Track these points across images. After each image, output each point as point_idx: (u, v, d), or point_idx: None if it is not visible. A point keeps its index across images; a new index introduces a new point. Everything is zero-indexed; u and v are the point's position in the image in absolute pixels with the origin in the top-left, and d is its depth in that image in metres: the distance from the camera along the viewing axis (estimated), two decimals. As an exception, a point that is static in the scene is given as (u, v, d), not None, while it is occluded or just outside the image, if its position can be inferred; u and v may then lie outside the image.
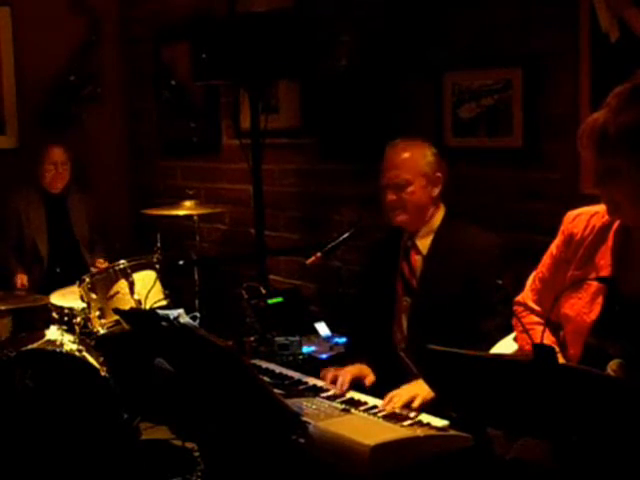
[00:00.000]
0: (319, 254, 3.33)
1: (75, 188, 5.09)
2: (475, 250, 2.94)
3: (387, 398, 2.65)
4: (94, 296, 3.96)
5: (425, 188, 3.02)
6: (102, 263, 4.62)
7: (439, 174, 3.04)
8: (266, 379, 2.86)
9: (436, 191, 3.04)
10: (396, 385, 2.83)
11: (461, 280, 2.90)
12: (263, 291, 3.81)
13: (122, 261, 4.03)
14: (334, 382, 2.87)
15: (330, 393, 2.78)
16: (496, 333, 2.70)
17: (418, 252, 3.06)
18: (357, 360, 3.03)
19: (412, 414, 2.55)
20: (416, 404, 2.59)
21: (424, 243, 3.05)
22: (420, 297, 3.02)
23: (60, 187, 4.99)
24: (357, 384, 2.88)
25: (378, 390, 2.79)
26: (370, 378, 2.94)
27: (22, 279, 4.70)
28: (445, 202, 3.10)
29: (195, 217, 4.56)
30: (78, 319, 4.01)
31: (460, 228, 3.04)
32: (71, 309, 4.06)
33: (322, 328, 3.65)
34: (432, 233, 3.05)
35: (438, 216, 3.07)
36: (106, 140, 5.79)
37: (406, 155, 3.02)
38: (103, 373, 3.78)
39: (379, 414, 2.56)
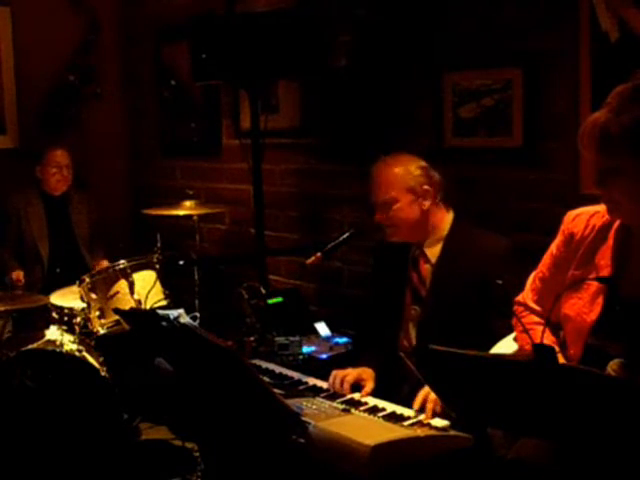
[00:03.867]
0: (319, 254, 3.32)
1: (76, 189, 5.08)
2: (485, 255, 2.89)
3: (420, 399, 2.58)
4: (94, 296, 3.96)
5: (413, 203, 2.97)
6: (104, 264, 4.61)
7: (427, 187, 2.98)
8: (266, 379, 2.85)
9: (427, 204, 2.99)
10: (396, 390, 2.83)
11: (471, 286, 2.86)
12: (263, 291, 3.80)
13: (122, 261, 4.03)
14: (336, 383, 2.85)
15: (330, 393, 2.78)
16: (505, 334, 2.68)
17: (427, 261, 3.02)
18: (362, 364, 2.98)
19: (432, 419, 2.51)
20: (438, 407, 2.53)
21: (433, 251, 3.01)
22: (430, 306, 2.99)
23: (63, 189, 4.96)
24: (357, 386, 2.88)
25: (381, 394, 2.78)
26: (369, 385, 2.86)
27: (18, 275, 4.67)
28: (454, 207, 3.06)
29: (195, 217, 4.56)
30: (78, 319, 4.00)
31: (469, 233, 3.00)
32: (71, 309, 4.05)
33: (322, 328, 3.64)
34: (441, 241, 3.00)
35: (446, 223, 3.02)
36: (106, 140, 5.78)
37: (390, 173, 2.98)
38: (103, 373, 3.78)
39: (380, 414, 2.56)
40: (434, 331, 2.93)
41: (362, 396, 2.78)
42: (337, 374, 2.87)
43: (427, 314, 2.99)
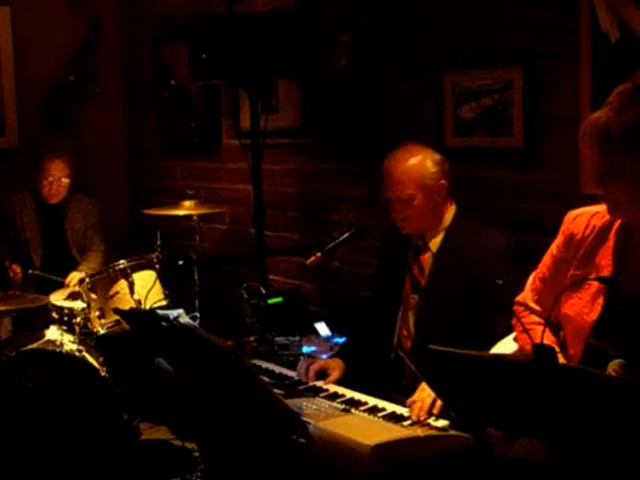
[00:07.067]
0: (319, 254, 3.33)
1: (74, 194, 4.99)
2: (484, 248, 2.90)
3: (409, 404, 2.58)
4: (94, 296, 3.96)
5: (430, 198, 2.98)
6: (76, 276, 4.51)
7: (443, 181, 3.00)
8: (266, 379, 2.86)
9: (440, 198, 3.01)
10: (394, 384, 2.83)
11: (469, 279, 2.87)
12: (263, 291, 3.80)
13: (122, 261, 4.03)
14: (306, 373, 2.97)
15: (330, 392, 2.78)
16: (505, 332, 2.68)
17: (428, 250, 3.04)
18: (336, 355, 3.10)
19: (432, 419, 2.51)
20: (436, 409, 2.53)
21: (434, 242, 3.03)
22: (427, 295, 3.01)
23: (58, 199, 4.89)
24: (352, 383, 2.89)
25: (377, 388, 2.79)
26: (335, 374, 2.95)
27: (15, 268, 4.62)
28: (456, 201, 3.07)
29: (195, 217, 4.55)
30: (78, 319, 4.01)
31: (471, 228, 3.01)
32: (71, 309, 4.06)
33: (322, 328, 3.64)
34: (442, 231, 3.03)
35: (448, 215, 3.04)
36: (106, 140, 5.78)
37: (407, 169, 2.97)
38: (103, 373, 3.78)
39: (380, 414, 2.56)
40: (432, 320, 2.95)
41: (325, 384, 2.88)
42: (305, 361, 2.99)
43: (425, 303, 3.01)
